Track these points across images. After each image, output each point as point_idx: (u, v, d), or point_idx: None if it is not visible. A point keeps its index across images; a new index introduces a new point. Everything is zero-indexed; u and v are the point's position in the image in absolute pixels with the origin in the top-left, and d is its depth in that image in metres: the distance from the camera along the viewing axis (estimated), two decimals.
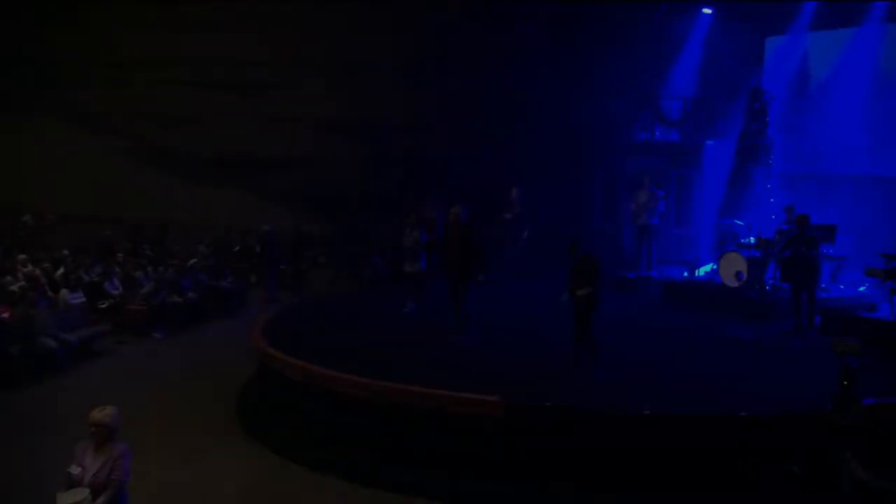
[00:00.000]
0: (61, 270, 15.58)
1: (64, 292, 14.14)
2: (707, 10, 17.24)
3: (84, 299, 14.58)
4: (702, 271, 15.46)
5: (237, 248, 21.94)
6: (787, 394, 8.94)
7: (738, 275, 13.24)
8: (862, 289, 13.45)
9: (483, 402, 8.42)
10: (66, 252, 17.59)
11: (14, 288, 13.46)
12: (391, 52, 23.34)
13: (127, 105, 26.78)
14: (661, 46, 17.63)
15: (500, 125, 20.22)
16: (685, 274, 15.58)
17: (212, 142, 26.46)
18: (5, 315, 12.26)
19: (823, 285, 12.75)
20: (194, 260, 17.86)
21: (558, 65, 18.73)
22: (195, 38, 25.67)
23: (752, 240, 13.97)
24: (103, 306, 15.15)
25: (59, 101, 27.17)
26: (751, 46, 16.61)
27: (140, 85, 26.61)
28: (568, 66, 18.52)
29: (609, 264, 16.16)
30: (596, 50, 17.77)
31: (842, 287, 13.66)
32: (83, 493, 5.69)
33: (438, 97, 22.08)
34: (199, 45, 25.58)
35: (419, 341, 11.20)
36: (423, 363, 10.10)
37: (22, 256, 15.74)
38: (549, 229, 16.85)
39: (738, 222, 14.81)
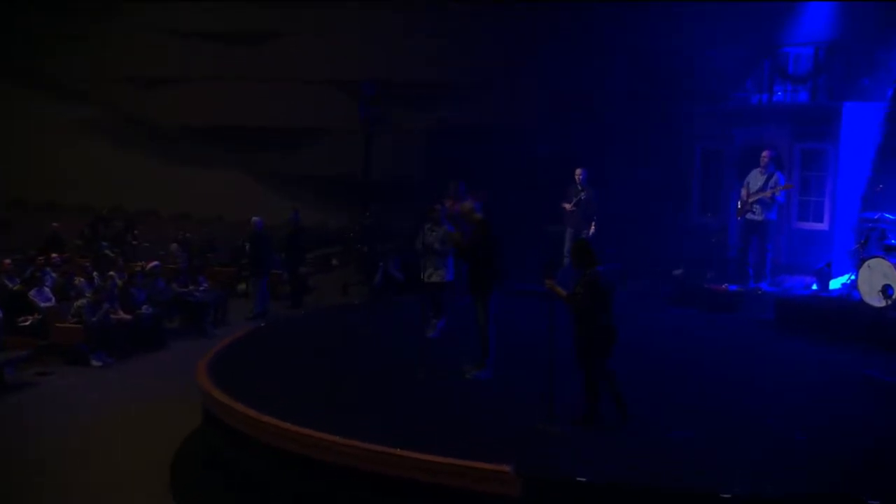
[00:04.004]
0: None
1: None
2: None
3: (1, 314, 14.13)
4: (835, 284, 14.84)
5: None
6: None
7: (885, 289, 12.78)
8: None
9: (490, 474, 7.81)
10: None
11: None
12: None
13: (93, 63, 26.69)
14: None
15: (560, 84, 19.68)
16: (813, 286, 15.02)
17: (197, 109, 26.35)
18: None
19: None
20: (155, 263, 17.52)
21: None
22: None
23: None
24: (25, 324, 14.77)
25: (6, 59, 27.17)
26: None
27: (108, 37, 26.36)
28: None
29: (711, 273, 16.03)
30: None
31: None
32: None
33: (478, 49, 21.57)
34: None
35: (424, 376, 10.83)
36: (425, 408, 9.84)
37: None
38: (627, 224, 16.58)
39: (888, 216, 14.19)
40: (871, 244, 13.81)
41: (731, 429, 9.12)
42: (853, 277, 13.81)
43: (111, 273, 16.93)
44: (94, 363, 14.65)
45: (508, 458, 7.90)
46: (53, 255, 17.37)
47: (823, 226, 16.30)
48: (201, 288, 17.89)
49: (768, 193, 14.90)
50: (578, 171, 16.27)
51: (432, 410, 9.76)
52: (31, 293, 15.31)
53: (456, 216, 13.31)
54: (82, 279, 16.31)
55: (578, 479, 7.72)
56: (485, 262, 10.69)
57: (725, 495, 7.39)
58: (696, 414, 9.47)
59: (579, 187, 16.18)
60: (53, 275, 16.42)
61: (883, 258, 13.02)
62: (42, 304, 15.25)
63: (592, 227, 16.03)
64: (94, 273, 16.78)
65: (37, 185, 26.48)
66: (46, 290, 15.62)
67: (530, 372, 10.40)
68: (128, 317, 15.53)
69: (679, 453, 8.39)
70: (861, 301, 13.16)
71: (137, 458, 10.88)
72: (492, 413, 9.57)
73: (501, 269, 10.84)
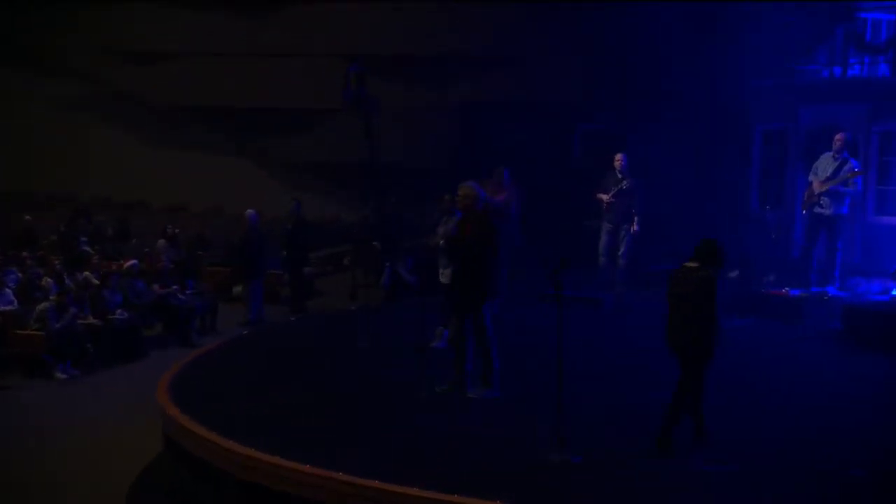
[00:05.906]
0: None
1: None
2: None
3: None
4: None
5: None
6: None
7: None
8: None
9: None
10: None
11: None
12: None
13: (77, 35, 26.70)
14: None
15: (596, 55, 19.69)
16: (893, 292, 14.70)
17: (195, 87, 26.27)
18: None
19: None
20: (133, 262, 17.41)
21: None
22: None
23: None
24: None
25: None
26: None
27: (95, 6, 26.34)
28: None
29: (773, 275, 16.01)
30: None
31: None
32: None
33: (509, 19, 21.32)
34: None
35: (422, 395, 10.65)
36: (418, 431, 9.69)
37: None
38: (675, 218, 16.68)
39: None
40: None
41: (782, 457, 8.70)
42: None
43: (86, 273, 16.81)
44: (59, 375, 14.58)
45: (506, 492, 7.66)
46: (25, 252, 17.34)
47: None
48: (188, 290, 17.79)
49: (835, 182, 14.47)
50: (619, 156, 15.91)
51: (426, 434, 9.55)
52: None
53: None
54: (51, 279, 16.22)
55: None
56: (479, 262, 10.33)
57: None
58: (738, 445, 8.99)
59: (619, 175, 15.80)
60: (19, 274, 16.37)
61: None
62: (1, 308, 15.19)
63: (635, 223, 15.66)
64: (64, 273, 16.64)
65: (11, 171, 26.54)
66: (8, 291, 15.62)
67: (540, 388, 10.09)
68: (98, 322, 15.42)
69: (715, 487, 8.02)
70: None
71: (91, 488, 10.69)
72: (491, 437, 9.36)
73: (494, 276, 10.50)
